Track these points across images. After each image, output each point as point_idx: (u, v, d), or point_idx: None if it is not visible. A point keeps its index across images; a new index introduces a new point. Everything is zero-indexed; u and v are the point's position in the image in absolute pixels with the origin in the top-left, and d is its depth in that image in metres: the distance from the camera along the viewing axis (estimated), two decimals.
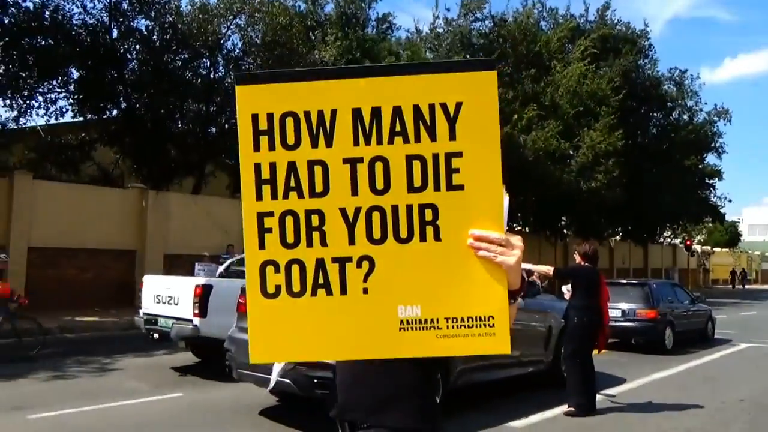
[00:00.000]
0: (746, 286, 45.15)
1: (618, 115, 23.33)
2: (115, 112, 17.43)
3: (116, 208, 15.25)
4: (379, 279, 1.31)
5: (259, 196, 1.36)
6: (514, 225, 26.27)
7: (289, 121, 1.36)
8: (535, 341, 7.07)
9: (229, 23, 17.98)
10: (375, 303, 1.31)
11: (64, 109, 16.30)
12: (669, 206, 28.09)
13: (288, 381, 5.07)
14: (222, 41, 18.05)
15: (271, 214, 1.35)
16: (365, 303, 1.31)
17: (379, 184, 1.33)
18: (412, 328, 1.29)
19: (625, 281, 13.46)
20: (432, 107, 1.32)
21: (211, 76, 18.27)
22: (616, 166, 22.19)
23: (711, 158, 32.01)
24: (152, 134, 16.75)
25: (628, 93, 24.91)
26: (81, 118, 17.06)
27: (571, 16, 26.85)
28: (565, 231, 29.35)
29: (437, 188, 1.31)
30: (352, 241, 1.33)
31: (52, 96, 16.12)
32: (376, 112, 1.34)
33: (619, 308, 11.23)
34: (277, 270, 1.34)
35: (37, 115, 19.36)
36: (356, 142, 1.34)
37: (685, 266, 41.53)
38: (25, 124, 16.00)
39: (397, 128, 1.33)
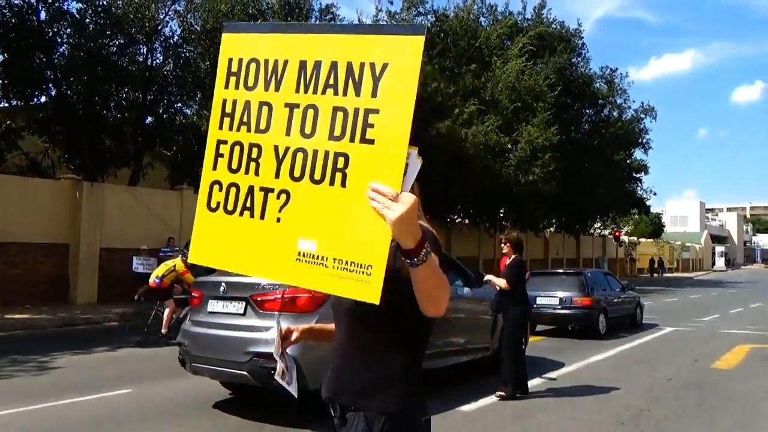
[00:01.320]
0: (664, 275, 47.14)
1: (553, 111, 24.18)
2: (43, 98, 16.55)
3: (47, 200, 14.52)
4: (291, 212, 1.48)
5: (220, 126, 1.61)
6: (455, 217, 26.85)
7: (252, 66, 1.59)
8: (482, 329, 7.34)
9: (167, 9, 17.42)
10: (283, 232, 1.47)
11: None
12: (600, 199, 29.43)
13: (245, 373, 5.08)
14: (160, 27, 17.46)
15: (225, 142, 1.60)
16: (275, 230, 1.49)
17: (308, 129, 1.49)
18: (306, 261, 1.43)
19: (561, 271, 14.06)
20: (362, 65, 1.44)
21: (149, 63, 17.65)
22: (551, 161, 23.01)
23: (638, 153, 33.71)
24: (85, 123, 15.99)
25: (562, 90, 25.86)
26: (6, 104, 16.12)
27: (510, 13, 27.54)
28: (503, 222, 30.20)
29: (352, 140, 1.42)
30: (277, 175, 1.50)
31: None
32: (317, 66, 1.50)
33: (556, 296, 11.78)
34: (220, 189, 1.59)
35: None
36: (297, 89, 1.52)
37: (614, 256, 43.64)
38: None
39: (331, 81, 1.48)
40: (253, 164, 1.54)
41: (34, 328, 11.05)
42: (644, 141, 32.86)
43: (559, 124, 24.26)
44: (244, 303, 5.35)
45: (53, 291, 14.32)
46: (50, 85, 16.23)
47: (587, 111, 31.74)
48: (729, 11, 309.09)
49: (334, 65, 1.47)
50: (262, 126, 1.55)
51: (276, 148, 1.52)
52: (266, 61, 1.57)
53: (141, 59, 17.58)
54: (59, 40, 16.21)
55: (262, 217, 1.51)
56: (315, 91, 1.49)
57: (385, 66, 1.41)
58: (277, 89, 1.55)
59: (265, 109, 1.55)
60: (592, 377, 7.65)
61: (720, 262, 71.36)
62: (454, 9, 25.01)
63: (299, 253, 1.44)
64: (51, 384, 6.64)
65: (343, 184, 1.42)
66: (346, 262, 1.37)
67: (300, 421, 5.14)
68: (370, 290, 1.34)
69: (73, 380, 6.86)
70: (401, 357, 1.64)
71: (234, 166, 1.57)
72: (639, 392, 6.77)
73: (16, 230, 13.63)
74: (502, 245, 6.97)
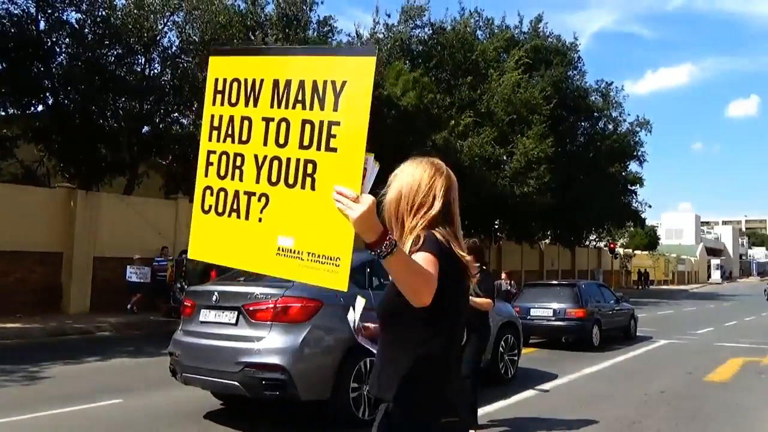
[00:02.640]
0: (649, 287, 46.70)
1: (549, 123, 24.32)
2: (40, 107, 16.55)
3: (42, 208, 14.49)
4: (270, 212, 1.68)
5: (210, 138, 1.85)
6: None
7: (235, 85, 1.82)
8: None
9: (165, 20, 17.47)
10: (264, 230, 1.68)
11: None
12: (595, 211, 29.53)
13: (236, 383, 5.05)
14: (158, 38, 17.50)
15: (214, 152, 1.83)
16: (258, 229, 1.69)
17: (281, 140, 1.70)
18: (285, 255, 1.63)
19: (555, 282, 14.07)
20: (325, 83, 1.63)
21: (146, 73, 17.70)
22: (547, 173, 23.11)
23: (633, 166, 33.90)
24: (81, 132, 15.98)
25: (558, 102, 26.03)
26: (3, 113, 16.10)
27: (506, 27, 27.82)
28: (498, 234, 30.26)
29: (319, 148, 1.62)
30: (258, 180, 1.72)
31: None
32: (288, 84, 1.71)
33: (550, 308, 11.78)
34: (211, 194, 1.81)
35: None
36: (272, 105, 1.73)
37: (609, 268, 43.72)
38: None
39: (299, 97, 1.68)
40: (237, 171, 1.76)
41: (25, 338, 10.97)
42: (639, 154, 33.10)
43: (555, 137, 24.41)
44: (236, 313, 5.34)
45: (46, 300, 14.24)
46: (47, 94, 16.24)
47: (582, 124, 31.95)
48: (723, 26, 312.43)
49: (302, 83, 1.67)
50: (244, 138, 1.77)
51: (256, 156, 1.73)
52: (246, 80, 1.79)
53: (139, 69, 17.61)
54: (58, 49, 16.24)
55: (246, 218, 1.72)
56: (287, 106, 1.70)
57: (344, 83, 1.60)
58: (255, 105, 1.76)
59: (246, 122, 1.77)
60: (585, 389, 7.64)
61: (716, 275, 71.60)
62: (451, 22, 25.24)
63: (279, 248, 1.64)
64: (40, 394, 6.59)
65: (313, 187, 1.61)
66: (318, 255, 1.56)
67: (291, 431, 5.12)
68: (338, 279, 1.54)
69: (63, 390, 6.81)
70: (407, 355, 1.75)
71: (222, 173, 1.79)
72: (632, 404, 6.77)
73: (10, 238, 13.57)
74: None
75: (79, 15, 16.23)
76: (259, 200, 1.70)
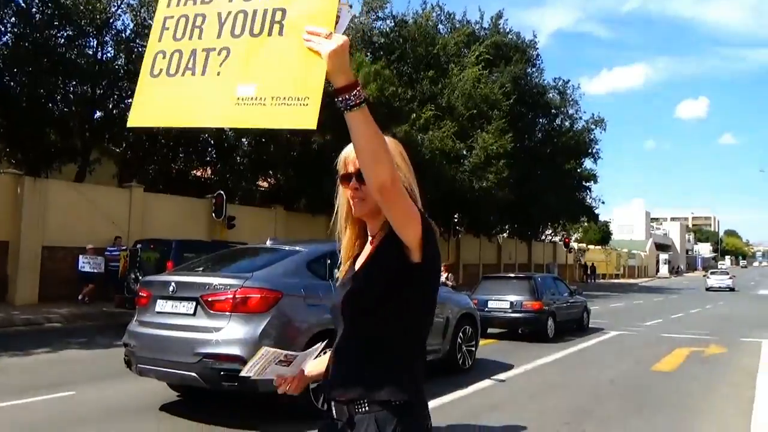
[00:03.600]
0: (596, 281, 46.39)
1: (508, 119, 24.69)
2: None
3: None
4: (230, 63, 1.58)
5: (168, 5, 1.73)
6: None
7: None
8: (434, 331, 7.41)
9: (119, 2, 16.94)
10: (222, 82, 1.57)
11: None
12: (551, 206, 30.19)
13: (194, 374, 4.97)
14: (111, 21, 16.96)
15: (171, 17, 1.72)
16: (215, 81, 1.58)
17: None
18: (245, 104, 1.52)
19: (512, 275, 14.32)
20: None
21: (99, 56, 17.11)
22: (505, 168, 23.47)
23: (588, 163, 34.77)
24: (29, 116, 15.34)
25: (517, 99, 26.44)
26: None
27: (468, 22, 28.04)
28: (457, 227, 30.62)
29: None
30: (219, 35, 1.62)
31: None
32: None
33: (507, 300, 12.01)
34: (164, 57, 1.68)
35: None
36: None
37: (564, 262, 44.83)
38: None
39: None
40: (197, 30, 1.67)
41: None
42: (594, 151, 33.94)
43: (514, 132, 24.79)
44: (194, 303, 5.25)
45: None
46: None
47: (540, 120, 32.55)
48: (675, 29, 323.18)
49: None
50: None
51: (219, 14, 1.65)
52: None
53: (91, 52, 17.02)
54: (3, 29, 15.54)
55: (203, 73, 1.61)
56: None
57: None
58: None
59: None
60: (540, 379, 7.83)
61: (664, 269, 74.23)
62: (413, 15, 25.29)
63: (238, 98, 1.53)
64: None
65: (281, 33, 1.54)
66: (284, 98, 1.47)
67: (250, 423, 5.07)
68: (306, 117, 1.43)
69: (10, 383, 6.56)
70: (401, 349, 1.60)
71: (179, 35, 1.69)
72: (585, 393, 6.98)
73: None
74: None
75: None
76: (219, 54, 1.61)
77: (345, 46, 1.37)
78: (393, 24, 24.56)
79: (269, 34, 1.54)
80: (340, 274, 1.75)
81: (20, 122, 15.32)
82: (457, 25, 27.38)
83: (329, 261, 5.81)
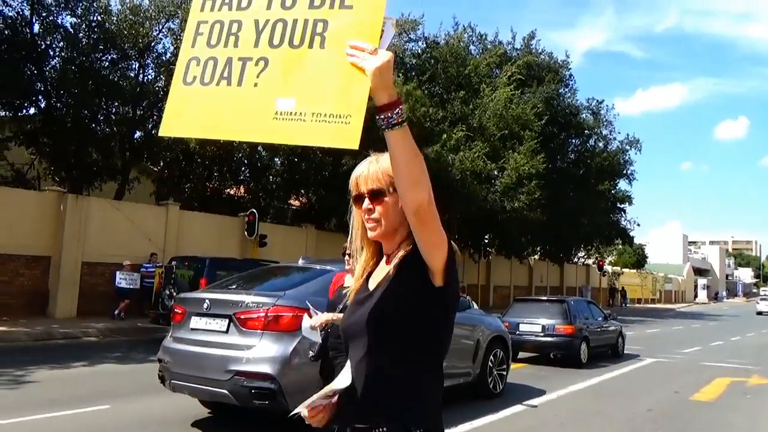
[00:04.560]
0: (626, 305, 44.97)
1: (540, 139, 24.50)
2: (32, 110, 16.49)
3: (31, 211, 14.38)
4: (269, 75, 1.52)
5: (202, 9, 1.68)
6: None
7: None
8: (464, 354, 7.34)
9: (161, 26, 17.54)
10: (260, 94, 1.51)
11: None
12: (584, 228, 29.71)
13: (226, 391, 5.03)
14: (153, 44, 17.56)
15: (205, 21, 1.65)
16: (253, 93, 1.52)
17: (288, 2, 1.56)
18: (284, 119, 1.46)
19: (545, 298, 14.10)
20: None
21: (140, 79, 17.70)
22: (537, 188, 23.25)
23: (623, 184, 34.16)
24: (73, 136, 15.96)
25: (549, 119, 26.25)
26: None
27: (499, 42, 28.06)
28: (487, 249, 30.35)
29: (332, 6, 1.49)
30: (257, 44, 1.56)
31: None
32: None
33: (539, 324, 11.81)
34: (198, 64, 1.62)
35: None
36: None
37: (597, 285, 43.90)
38: None
39: None
40: (232, 38, 1.60)
41: (10, 341, 10.83)
42: (629, 172, 33.36)
43: (546, 153, 24.57)
44: (227, 320, 5.33)
45: (32, 304, 14.09)
46: (40, 98, 16.20)
47: (573, 141, 32.21)
48: (712, 48, 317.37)
49: None
50: (244, 3, 1.62)
51: (256, 21, 1.58)
52: None
53: (132, 75, 17.64)
54: (51, 53, 16.24)
55: (239, 84, 1.55)
56: None
57: None
58: None
59: None
60: (572, 406, 7.66)
61: (702, 295, 72.05)
62: (445, 37, 25.46)
63: (277, 112, 1.47)
64: (25, 399, 6.51)
65: (322, 46, 1.47)
66: (325, 115, 1.41)
67: None
68: (349, 136, 1.38)
69: (49, 395, 6.72)
70: (422, 371, 1.58)
71: (214, 41, 1.62)
72: (619, 422, 6.79)
73: None
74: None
75: (74, 19, 16.29)
76: (256, 64, 1.53)
77: (390, 62, 1.34)
78: (425, 45, 24.78)
79: (310, 46, 1.48)
80: (351, 291, 1.71)
81: (65, 142, 15.93)
82: (489, 46, 27.45)
83: None
